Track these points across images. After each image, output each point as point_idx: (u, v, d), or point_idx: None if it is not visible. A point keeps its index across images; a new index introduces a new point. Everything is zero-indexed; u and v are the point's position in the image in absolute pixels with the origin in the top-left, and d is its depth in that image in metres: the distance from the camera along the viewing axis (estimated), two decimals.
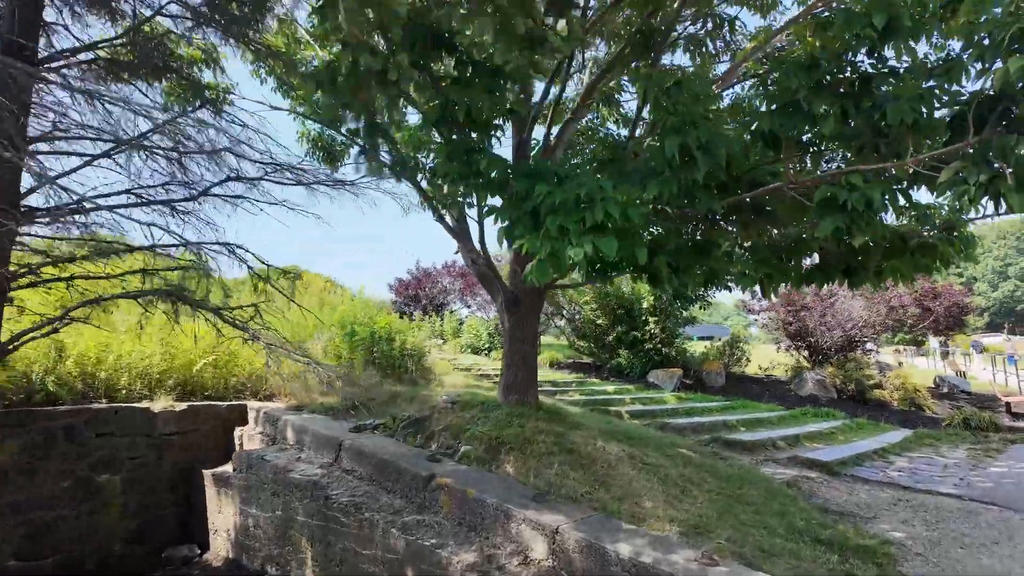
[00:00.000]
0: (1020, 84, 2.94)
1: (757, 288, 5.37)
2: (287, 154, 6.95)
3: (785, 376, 14.61)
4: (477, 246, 6.53)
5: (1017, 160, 2.82)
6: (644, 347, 14.19)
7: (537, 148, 6.53)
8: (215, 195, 4.79)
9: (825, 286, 5.33)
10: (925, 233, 4.20)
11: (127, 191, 4.57)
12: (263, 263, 5.11)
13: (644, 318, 14.35)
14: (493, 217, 4.12)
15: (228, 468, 6.12)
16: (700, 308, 14.36)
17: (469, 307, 21.06)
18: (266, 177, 4.70)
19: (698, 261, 5.03)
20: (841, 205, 3.39)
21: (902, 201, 3.84)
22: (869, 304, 15.07)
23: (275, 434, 6.44)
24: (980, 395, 15.65)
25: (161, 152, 4.40)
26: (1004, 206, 2.97)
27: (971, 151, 3.09)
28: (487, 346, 17.56)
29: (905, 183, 3.79)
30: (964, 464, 7.66)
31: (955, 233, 4.58)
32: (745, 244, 5.20)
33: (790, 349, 15.93)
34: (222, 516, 6.05)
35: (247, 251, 4.83)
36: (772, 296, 5.35)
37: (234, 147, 4.64)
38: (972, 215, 4.15)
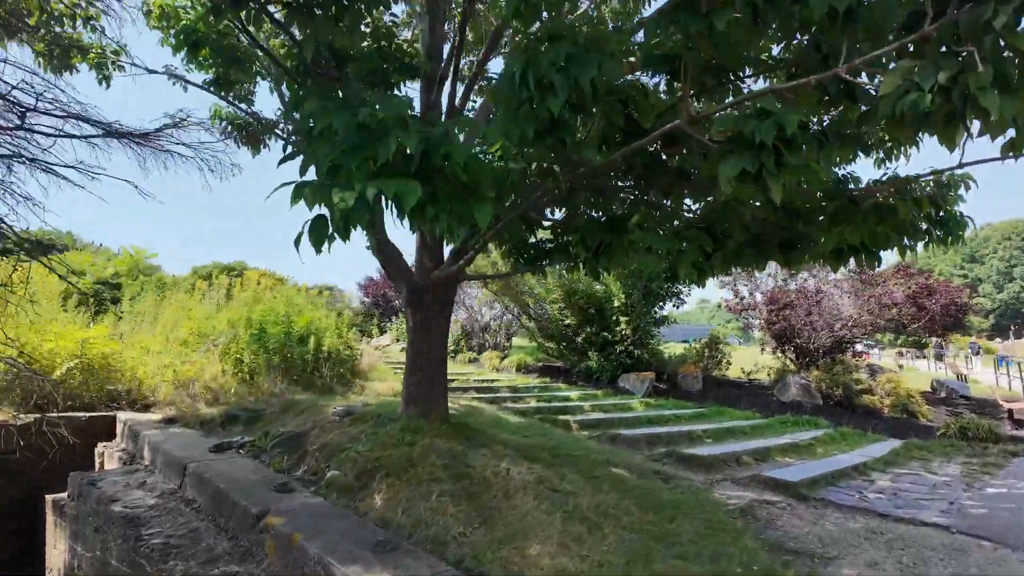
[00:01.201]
0: None
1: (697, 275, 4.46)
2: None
3: (769, 380, 13.65)
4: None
5: (995, 41, 1.88)
6: (615, 349, 13.23)
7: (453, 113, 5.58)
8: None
9: (810, 277, 4.39)
10: (885, 194, 3.25)
11: None
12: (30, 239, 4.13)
13: (615, 317, 13.39)
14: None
15: (65, 494, 5.15)
16: (674, 306, 13.41)
17: None
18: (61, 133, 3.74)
19: (612, 238, 4.09)
20: (749, 140, 2.44)
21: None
22: (861, 302, 14.12)
23: (135, 451, 5.48)
24: (981, 400, 14.70)
25: None
26: (979, 123, 2.01)
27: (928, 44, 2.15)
28: (452, 349, 16.57)
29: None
30: (957, 482, 6.69)
31: (943, 202, 3.66)
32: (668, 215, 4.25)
33: (776, 351, 14.98)
34: (56, 552, 5.07)
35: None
36: (696, 282, 4.40)
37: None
38: (956, 169, 3.20)
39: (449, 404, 7.74)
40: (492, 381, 12.49)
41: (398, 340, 18.85)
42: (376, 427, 5.05)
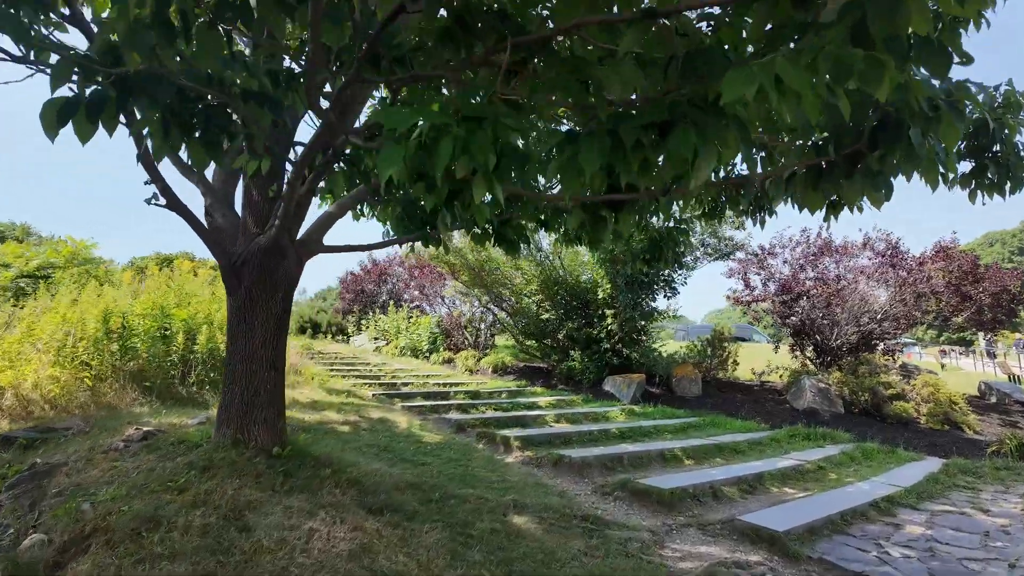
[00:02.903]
0: None
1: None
2: None
3: (782, 384, 11.84)
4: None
5: None
6: (600, 347, 11.60)
7: None
8: None
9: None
10: None
11: None
12: None
13: (600, 311, 11.76)
14: None
15: None
16: (666, 296, 11.69)
17: (410, 302, 18.63)
18: None
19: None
20: None
21: None
22: (893, 291, 12.18)
23: None
24: None
25: None
26: None
27: None
28: (427, 349, 15.14)
29: None
30: (1019, 527, 4.94)
31: None
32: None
33: (793, 349, 13.12)
34: None
35: None
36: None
37: None
38: None
39: (364, 414, 6.29)
40: (453, 385, 11.00)
41: (377, 339, 17.49)
42: (164, 459, 3.59)
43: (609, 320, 11.47)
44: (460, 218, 4.22)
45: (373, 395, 8.84)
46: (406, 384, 10.49)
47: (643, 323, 11.70)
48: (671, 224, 7.57)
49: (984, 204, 3.76)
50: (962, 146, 3.85)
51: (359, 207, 4.81)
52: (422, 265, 17.77)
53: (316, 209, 4.72)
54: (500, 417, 7.98)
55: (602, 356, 11.55)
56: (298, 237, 4.28)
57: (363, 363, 13.67)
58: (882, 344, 12.34)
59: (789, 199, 3.11)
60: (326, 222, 4.36)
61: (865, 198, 2.38)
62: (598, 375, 11.51)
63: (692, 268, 11.98)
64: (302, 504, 3.24)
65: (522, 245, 5.04)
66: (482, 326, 15.35)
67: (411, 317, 16.76)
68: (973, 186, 3.90)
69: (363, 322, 18.29)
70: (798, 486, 5.92)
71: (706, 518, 4.69)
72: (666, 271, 11.10)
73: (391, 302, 17.89)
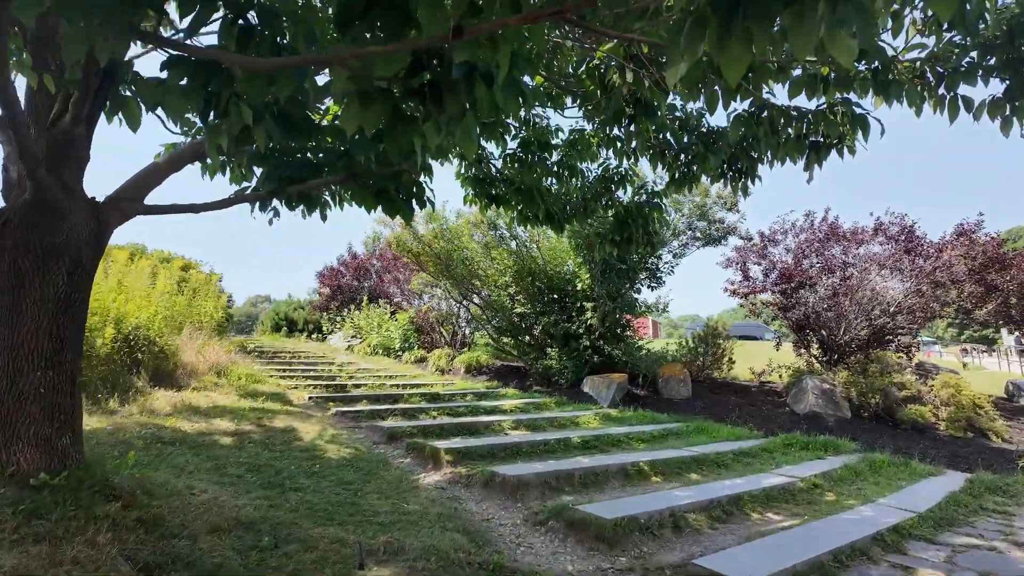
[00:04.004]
0: None
1: None
2: None
3: (784, 384, 10.72)
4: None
5: None
6: (580, 344, 10.56)
7: None
8: None
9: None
10: None
11: None
12: None
13: (579, 304, 10.71)
14: None
15: None
16: (650, 287, 10.61)
17: (392, 298, 17.64)
18: None
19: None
20: None
21: None
22: (909, 283, 11.01)
23: None
24: None
25: None
26: None
27: None
28: (400, 347, 14.18)
29: None
30: None
31: None
32: None
33: (797, 346, 11.99)
34: None
35: None
36: None
37: None
38: None
39: (269, 423, 5.33)
40: (415, 387, 10.02)
41: (354, 337, 16.53)
42: None
43: (589, 314, 10.43)
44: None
45: (309, 398, 7.87)
46: (359, 386, 9.52)
47: (627, 317, 10.64)
48: (641, 199, 6.57)
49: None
50: None
51: (229, 165, 3.82)
52: (398, 257, 16.76)
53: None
54: (447, 425, 6.98)
55: (581, 354, 10.51)
56: (111, 194, 3.30)
57: (327, 363, 12.72)
58: (896, 340, 11.19)
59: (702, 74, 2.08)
60: (148, 177, 3.38)
61: (830, 51, 1.35)
62: (577, 375, 10.48)
63: (680, 255, 10.88)
64: (29, 561, 2.26)
65: (419, 207, 4.04)
66: (462, 322, 14.37)
67: (394, 312, 15.83)
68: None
69: (337, 319, 17.36)
70: (785, 510, 4.86)
71: (656, 559, 3.65)
72: (649, 259, 10.03)
73: (365, 298, 16.94)
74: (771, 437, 7.68)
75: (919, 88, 2.95)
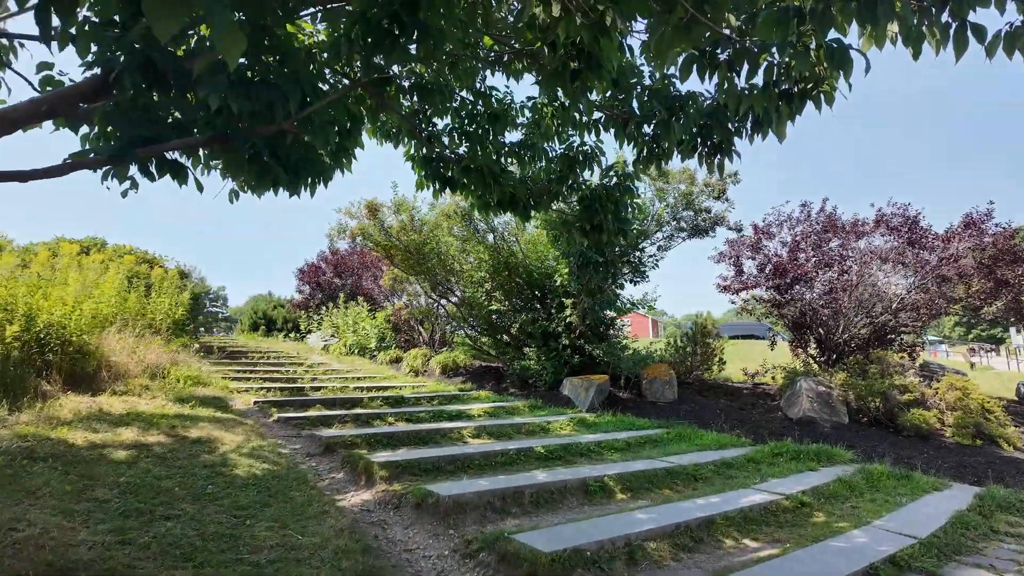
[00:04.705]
0: None
1: None
2: None
3: (777, 385, 10.06)
4: None
5: None
6: (559, 343, 9.93)
7: None
8: None
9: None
10: None
11: None
12: None
13: (558, 300, 10.07)
14: None
15: None
16: (633, 282, 9.95)
17: (365, 295, 16.99)
18: None
19: None
20: None
21: None
22: (913, 279, 10.33)
23: None
24: None
25: None
26: None
27: None
28: (375, 347, 13.57)
29: None
30: None
31: None
32: None
33: (793, 346, 11.32)
34: None
35: None
36: None
37: None
38: None
39: (186, 432, 4.78)
40: (381, 390, 9.40)
41: (333, 336, 15.91)
42: None
43: (568, 311, 9.78)
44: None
45: (254, 402, 7.26)
46: (319, 389, 8.90)
47: (611, 314, 9.99)
48: (610, 181, 5.93)
49: None
50: None
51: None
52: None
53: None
54: (400, 433, 6.35)
55: (560, 354, 9.87)
56: None
57: (296, 364, 12.11)
58: (899, 339, 10.52)
59: None
60: None
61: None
62: (556, 376, 9.84)
63: (665, 248, 10.21)
64: None
65: (319, 183, 3.40)
66: (442, 321, 13.74)
67: (373, 311, 15.21)
68: None
69: (314, 318, 16.74)
70: (765, 535, 4.22)
71: None
72: (632, 252, 9.37)
73: (343, 296, 16.30)
74: (759, 445, 7.03)
75: (915, 13, 2.31)
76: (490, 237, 10.58)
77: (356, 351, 13.96)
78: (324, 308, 16.37)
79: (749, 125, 4.40)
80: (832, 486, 5.47)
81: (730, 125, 4.41)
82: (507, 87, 5.39)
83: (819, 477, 5.80)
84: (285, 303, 19.44)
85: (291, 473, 4.45)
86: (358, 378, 10.47)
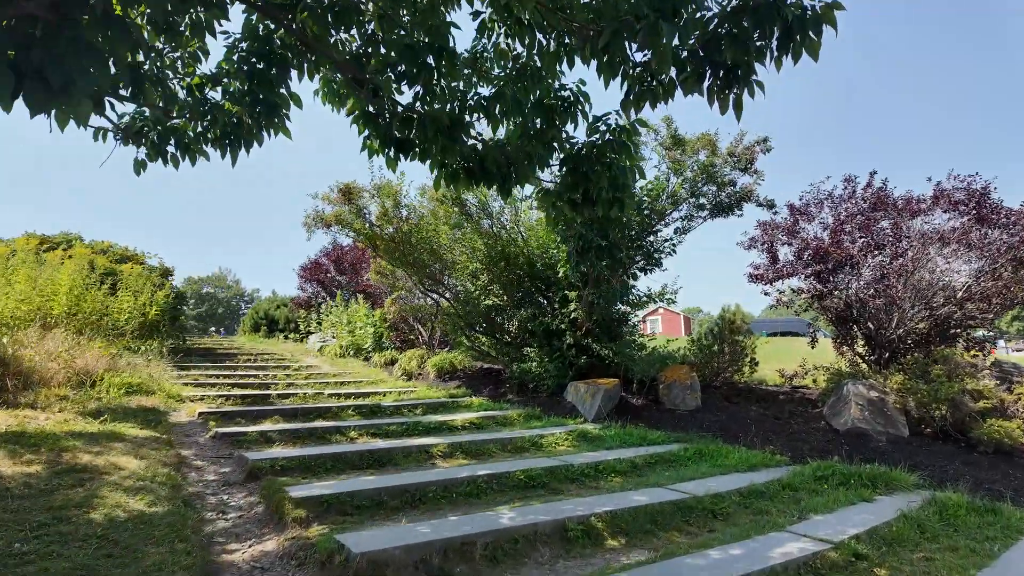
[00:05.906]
0: None
1: None
2: None
3: (819, 390, 8.69)
4: None
5: None
6: (563, 343, 8.78)
7: None
8: None
9: None
10: None
11: None
12: None
13: (563, 294, 8.93)
14: None
15: None
16: (645, 271, 8.70)
17: (363, 292, 16.05)
18: None
19: None
20: None
21: None
22: (983, 262, 8.80)
23: None
24: None
25: None
26: None
27: None
28: (370, 347, 12.64)
29: None
30: None
31: None
32: None
33: (838, 343, 9.89)
34: None
35: None
36: None
37: None
38: None
39: (68, 459, 3.89)
40: (364, 396, 8.43)
41: (333, 337, 15.06)
42: None
43: (572, 305, 8.62)
44: None
45: (199, 414, 6.35)
46: (287, 397, 7.96)
47: (622, 309, 8.78)
48: (602, 138, 4.77)
49: None
50: None
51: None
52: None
53: None
54: (351, 453, 5.28)
55: (564, 354, 8.71)
56: None
57: (282, 367, 11.27)
58: (965, 334, 9.01)
59: None
60: None
61: None
62: (560, 380, 8.69)
63: (684, 230, 8.89)
64: None
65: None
66: (437, 320, 12.71)
67: (374, 309, 14.31)
68: None
69: (314, 318, 15.93)
70: None
71: None
72: (645, 235, 8.13)
73: (339, 294, 15.43)
74: (798, 465, 5.77)
75: None
76: (485, 223, 9.48)
77: (352, 352, 13.06)
78: (323, 305, 15.55)
79: (776, 41, 3.22)
80: (895, 526, 4.21)
81: (747, 42, 3.22)
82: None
83: (876, 512, 4.53)
84: (287, 302, 18.75)
85: (172, 516, 3.44)
86: (341, 383, 9.52)
